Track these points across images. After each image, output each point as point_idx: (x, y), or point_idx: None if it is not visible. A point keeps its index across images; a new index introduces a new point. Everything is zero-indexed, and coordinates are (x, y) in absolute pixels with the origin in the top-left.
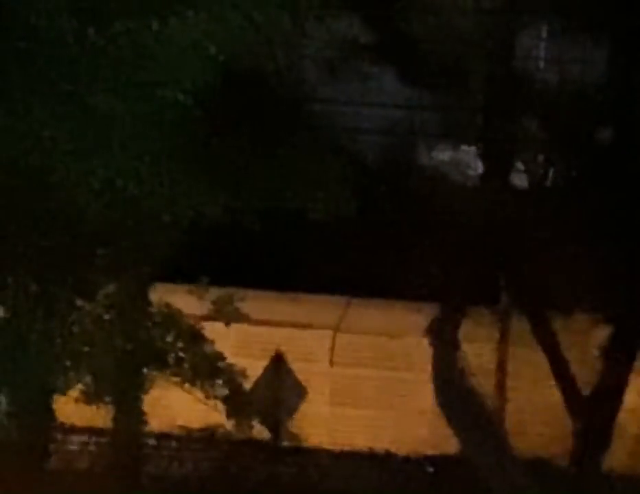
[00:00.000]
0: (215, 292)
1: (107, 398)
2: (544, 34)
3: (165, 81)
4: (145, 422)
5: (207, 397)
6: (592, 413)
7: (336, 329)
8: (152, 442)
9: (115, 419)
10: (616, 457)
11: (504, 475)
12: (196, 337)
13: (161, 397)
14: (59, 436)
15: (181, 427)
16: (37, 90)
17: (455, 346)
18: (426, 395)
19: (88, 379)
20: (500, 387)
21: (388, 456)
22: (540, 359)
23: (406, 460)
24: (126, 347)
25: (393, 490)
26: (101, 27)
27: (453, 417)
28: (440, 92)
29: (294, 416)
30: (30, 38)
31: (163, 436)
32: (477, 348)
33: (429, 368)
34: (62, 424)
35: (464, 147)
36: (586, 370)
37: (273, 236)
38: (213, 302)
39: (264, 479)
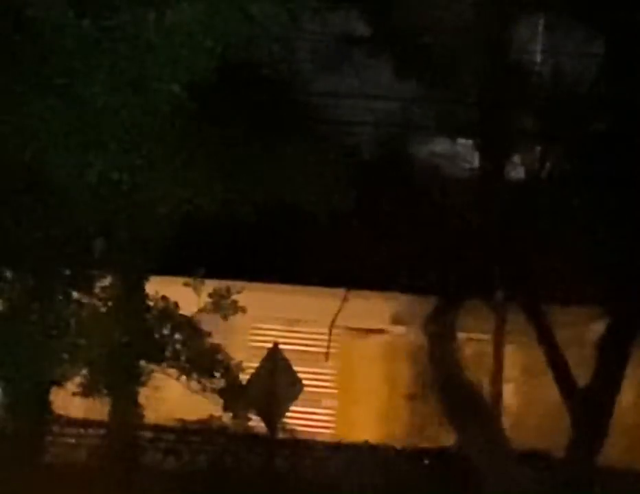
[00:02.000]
0: (212, 285)
1: (104, 391)
2: (540, 27)
3: (161, 74)
4: (142, 415)
5: (204, 390)
6: (589, 406)
7: (333, 322)
8: (148, 434)
9: (111, 412)
10: (612, 450)
11: (499, 468)
12: (192, 330)
13: (158, 390)
14: (56, 429)
15: (178, 419)
16: (32, 83)
17: (451, 338)
18: (421, 387)
19: (84, 371)
20: (496, 379)
21: (384, 449)
22: (536, 352)
23: (402, 452)
24: (123, 340)
25: (388, 482)
26: (96, 20)
27: (449, 409)
28: (436, 85)
29: (290, 409)
30: (25, 31)
31: (159, 429)
32: (473, 341)
33: (425, 359)
34: (59, 416)
35: (461, 140)
36: (583, 363)
37: (270, 228)
38: (210, 295)
39: (260, 471)
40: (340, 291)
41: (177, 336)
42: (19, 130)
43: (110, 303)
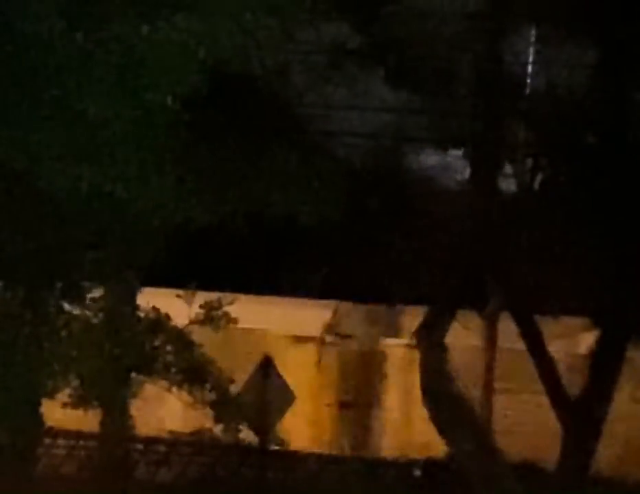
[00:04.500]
0: (203, 296)
1: (95, 403)
2: (532, 38)
3: (153, 85)
4: (133, 427)
5: (195, 402)
6: (580, 416)
7: (324, 333)
8: (139, 446)
9: (102, 423)
10: (603, 461)
11: (491, 478)
12: (184, 342)
13: (149, 401)
14: (47, 440)
15: (169, 431)
16: (25, 94)
17: (443, 349)
18: (413, 399)
19: (76, 383)
20: (488, 390)
21: (375, 460)
22: (528, 363)
23: (394, 463)
24: (114, 351)
25: (380, 493)
26: (90, 32)
27: (441, 420)
28: (429, 96)
29: (282, 420)
30: (18, 42)
31: (151, 440)
32: (465, 352)
33: (417, 371)
34: (50, 428)
35: (452, 151)
36: (574, 374)
37: (262, 240)
38: (202, 307)
39: (251, 483)
40: (332, 303)
41: (168, 348)
42: (12, 142)
43: (101, 314)
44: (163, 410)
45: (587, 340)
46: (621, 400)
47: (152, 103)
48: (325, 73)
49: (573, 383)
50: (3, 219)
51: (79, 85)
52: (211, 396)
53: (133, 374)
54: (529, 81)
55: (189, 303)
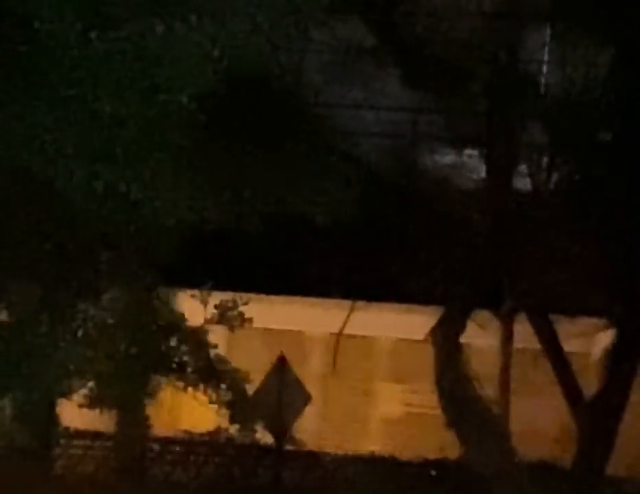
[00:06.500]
0: (218, 296)
1: (111, 403)
2: (547, 37)
3: (168, 85)
4: (149, 427)
5: (211, 402)
6: (596, 416)
7: (340, 333)
8: (155, 446)
9: (118, 424)
10: (620, 461)
11: (507, 479)
12: (199, 342)
13: (165, 402)
14: (63, 441)
15: (185, 431)
16: (40, 94)
17: (458, 349)
18: (429, 399)
19: (92, 383)
20: (504, 390)
21: (391, 460)
22: (544, 363)
23: (410, 463)
24: (130, 352)
25: (396, 493)
26: (104, 32)
27: (456, 421)
28: (444, 96)
29: (297, 420)
30: (33, 42)
31: (166, 441)
32: (480, 352)
33: (432, 371)
34: (66, 428)
35: (468, 151)
36: (590, 374)
37: (277, 240)
38: (217, 307)
39: (267, 483)
40: (347, 303)
41: (184, 348)
42: (27, 141)
43: (117, 315)
44: (179, 410)
45: (603, 340)
46: (638, 400)
47: (168, 103)
48: (341, 72)
49: (589, 384)
50: (19, 219)
51: (94, 85)
52: (227, 396)
53: (149, 375)
54: (544, 80)
55: (204, 303)
